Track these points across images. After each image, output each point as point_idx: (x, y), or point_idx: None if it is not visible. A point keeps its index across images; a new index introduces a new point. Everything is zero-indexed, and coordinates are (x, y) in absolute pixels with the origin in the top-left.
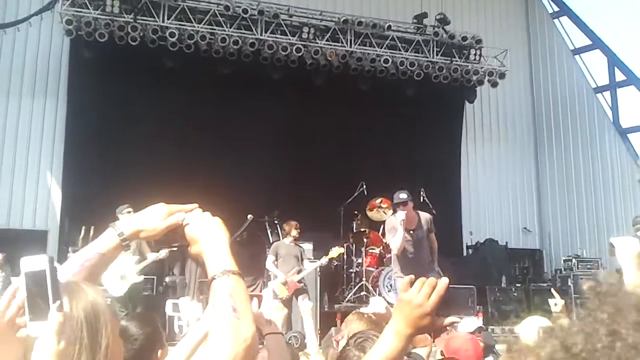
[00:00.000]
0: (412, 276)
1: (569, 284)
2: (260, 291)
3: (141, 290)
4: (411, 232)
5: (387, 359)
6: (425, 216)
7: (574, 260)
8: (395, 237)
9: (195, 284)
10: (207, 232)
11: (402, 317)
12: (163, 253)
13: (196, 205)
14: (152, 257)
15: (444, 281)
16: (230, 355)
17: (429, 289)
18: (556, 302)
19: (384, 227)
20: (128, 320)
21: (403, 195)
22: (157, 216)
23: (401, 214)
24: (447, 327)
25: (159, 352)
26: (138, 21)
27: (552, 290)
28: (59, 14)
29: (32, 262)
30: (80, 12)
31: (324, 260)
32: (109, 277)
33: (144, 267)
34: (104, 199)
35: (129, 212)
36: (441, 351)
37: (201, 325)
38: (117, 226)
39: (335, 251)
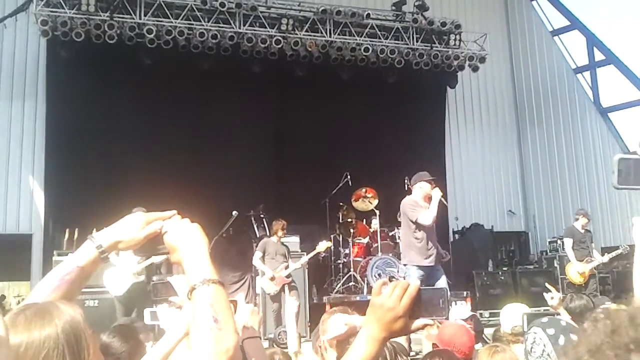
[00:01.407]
0: (385, 279)
1: (555, 265)
2: (248, 286)
3: (143, 290)
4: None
5: None
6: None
7: (559, 241)
8: (430, 209)
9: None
10: (186, 240)
11: (375, 321)
12: (159, 258)
13: (174, 212)
14: (154, 258)
15: (414, 284)
16: None
17: (401, 292)
18: (552, 296)
19: (400, 210)
20: (110, 336)
21: (427, 176)
22: (134, 226)
23: (438, 190)
24: (420, 330)
25: None
26: (115, 19)
27: (547, 284)
28: (33, 14)
29: None
30: (56, 12)
31: (311, 255)
32: (110, 276)
33: (145, 267)
34: (88, 200)
35: None
36: (433, 343)
37: (175, 329)
38: (95, 238)
39: (323, 245)
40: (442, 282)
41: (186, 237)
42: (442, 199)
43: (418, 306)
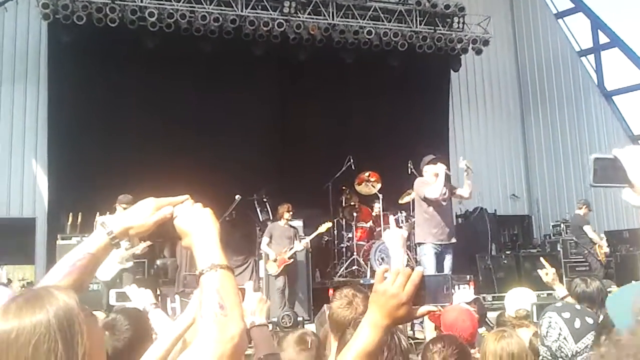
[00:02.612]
0: (387, 266)
1: (558, 249)
2: (252, 270)
3: (131, 275)
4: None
5: (365, 351)
6: (447, 183)
7: (562, 225)
8: (437, 183)
9: (187, 266)
10: (197, 225)
11: (378, 308)
12: (141, 247)
13: (187, 196)
14: (135, 248)
15: (418, 270)
16: (217, 354)
17: (404, 279)
18: (547, 272)
19: (415, 188)
20: (117, 313)
21: (434, 156)
22: (145, 212)
23: (442, 165)
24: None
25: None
26: (116, 2)
27: (542, 259)
28: None
29: None
30: None
31: (312, 236)
32: None
33: (132, 253)
34: (91, 184)
35: (125, 207)
36: (436, 326)
37: (184, 317)
38: (107, 225)
39: (324, 226)
40: (448, 264)
41: (197, 222)
42: (446, 171)
43: (421, 293)
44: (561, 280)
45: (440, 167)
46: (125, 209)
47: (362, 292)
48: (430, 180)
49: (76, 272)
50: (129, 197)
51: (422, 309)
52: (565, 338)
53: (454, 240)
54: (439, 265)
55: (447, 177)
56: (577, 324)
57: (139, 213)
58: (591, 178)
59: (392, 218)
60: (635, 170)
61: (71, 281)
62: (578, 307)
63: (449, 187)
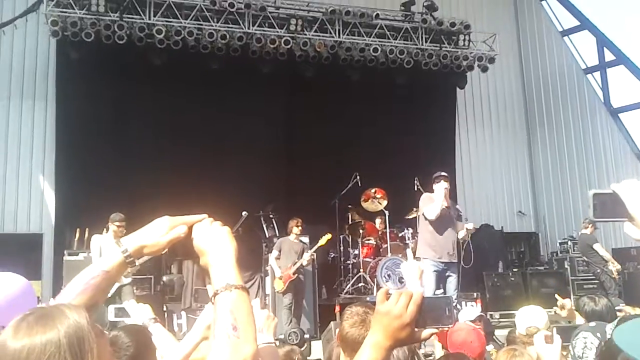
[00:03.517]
0: (388, 287)
1: (566, 266)
2: (258, 286)
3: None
4: (446, 207)
5: None
6: (454, 203)
7: (569, 243)
8: (435, 203)
9: (192, 282)
10: (213, 245)
11: (381, 329)
12: (141, 260)
13: (205, 215)
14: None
15: (419, 292)
16: None
17: (407, 300)
18: (564, 305)
19: (419, 204)
20: (119, 330)
21: (443, 173)
22: (159, 231)
23: (443, 184)
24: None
25: None
26: (124, 19)
27: (556, 295)
28: (44, 15)
29: None
30: (66, 12)
31: (314, 249)
32: None
33: (130, 270)
34: (98, 200)
35: (119, 225)
36: (443, 346)
37: (191, 335)
38: (122, 243)
39: (324, 239)
40: (452, 283)
41: (214, 241)
42: (445, 190)
43: (423, 314)
44: (568, 297)
45: (440, 187)
46: (118, 226)
47: (373, 309)
48: (434, 196)
49: (90, 290)
50: (121, 216)
51: (426, 333)
52: None
53: (454, 260)
54: (442, 285)
55: (450, 196)
56: None
57: (153, 232)
58: (591, 214)
59: (409, 251)
60: (635, 205)
61: (85, 299)
62: (609, 329)
63: (455, 208)
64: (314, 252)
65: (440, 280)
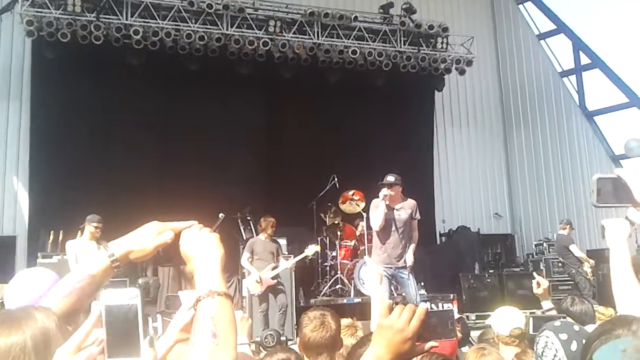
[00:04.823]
0: (391, 301)
1: (541, 267)
2: (235, 289)
3: None
4: (394, 209)
5: None
6: (410, 202)
7: (545, 244)
8: (377, 212)
9: (168, 285)
10: (200, 251)
11: (383, 342)
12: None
13: (195, 222)
14: None
15: (423, 306)
16: None
17: (410, 314)
18: (539, 283)
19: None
20: None
21: (390, 178)
22: (146, 236)
23: (384, 190)
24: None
25: None
26: (101, 20)
27: (535, 274)
28: (19, 14)
29: (116, 295)
30: (41, 12)
31: (299, 258)
32: None
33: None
34: (72, 202)
35: (96, 226)
36: None
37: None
38: (109, 247)
39: (311, 249)
40: (411, 286)
41: (200, 247)
42: (384, 200)
43: (425, 328)
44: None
45: (382, 193)
46: (96, 227)
47: (327, 310)
48: (379, 202)
49: (75, 293)
50: (98, 217)
51: (427, 346)
52: None
53: (402, 263)
54: (400, 287)
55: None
56: (574, 346)
57: (140, 237)
58: (594, 199)
59: (367, 257)
60: None
61: (70, 302)
62: (577, 328)
63: (410, 213)
64: (298, 261)
65: (398, 283)
